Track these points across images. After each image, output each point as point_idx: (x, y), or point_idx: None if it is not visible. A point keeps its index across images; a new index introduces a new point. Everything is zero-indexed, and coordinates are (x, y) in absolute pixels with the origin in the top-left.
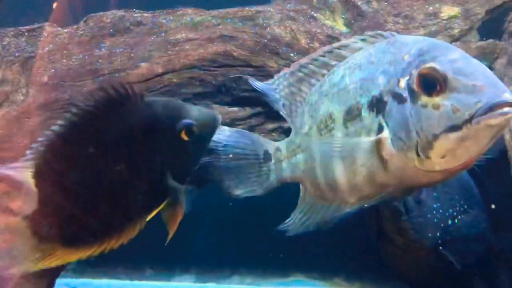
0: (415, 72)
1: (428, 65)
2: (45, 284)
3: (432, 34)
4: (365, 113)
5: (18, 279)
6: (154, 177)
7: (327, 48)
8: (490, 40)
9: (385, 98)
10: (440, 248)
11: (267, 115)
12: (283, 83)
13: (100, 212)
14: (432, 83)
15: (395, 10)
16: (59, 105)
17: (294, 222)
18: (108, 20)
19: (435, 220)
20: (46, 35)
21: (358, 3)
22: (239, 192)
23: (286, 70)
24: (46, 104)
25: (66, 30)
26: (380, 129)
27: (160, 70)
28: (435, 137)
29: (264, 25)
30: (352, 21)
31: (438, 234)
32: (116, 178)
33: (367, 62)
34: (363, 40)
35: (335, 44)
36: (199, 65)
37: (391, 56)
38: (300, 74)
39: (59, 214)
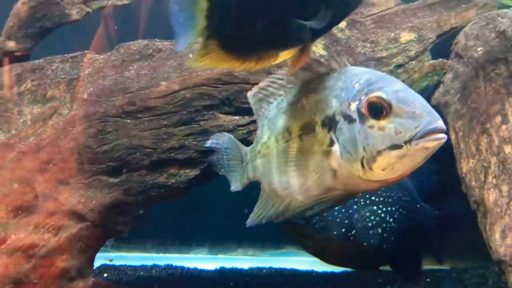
0: (364, 99)
1: (376, 93)
2: (87, 259)
3: (393, 55)
4: (318, 129)
5: (64, 255)
6: (306, 15)
7: (284, 71)
8: (440, 59)
9: (337, 118)
10: (351, 239)
11: None
12: (252, 102)
13: (251, 26)
14: (379, 109)
15: (364, 37)
16: (97, 117)
17: (252, 215)
18: (135, 48)
19: (338, 220)
20: (86, 60)
21: (334, 31)
22: (233, 187)
23: (249, 93)
24: (86, 116)
25: (102, 57)
26: (331, 143)
27: (176, 88)
28: (379, 153)
29: None
30: (330, 46)
31: (343, 230)
32: (274, 6)
33: (322, 88)
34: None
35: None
36: (207, 83)
37: (343, 83)
38: (260, 95)
39: (225, 13)
